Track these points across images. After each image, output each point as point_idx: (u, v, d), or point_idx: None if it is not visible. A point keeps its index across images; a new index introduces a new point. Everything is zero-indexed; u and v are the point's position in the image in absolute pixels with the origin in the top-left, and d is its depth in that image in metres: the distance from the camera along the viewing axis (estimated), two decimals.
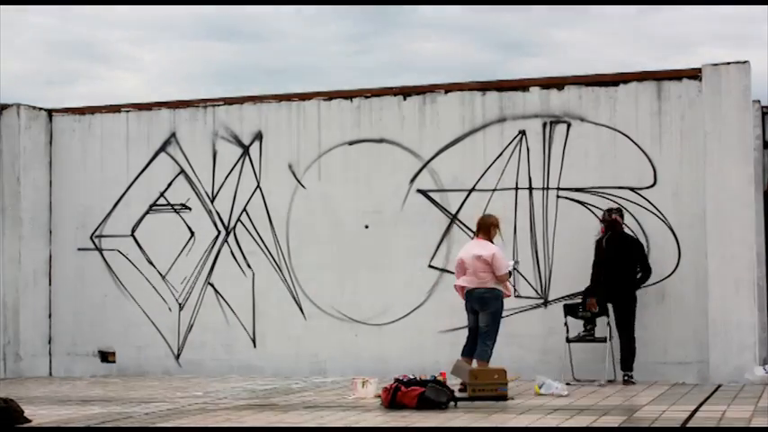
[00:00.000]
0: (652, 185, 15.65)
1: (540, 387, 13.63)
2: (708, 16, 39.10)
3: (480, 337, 14.37)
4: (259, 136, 17.44)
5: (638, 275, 15.23)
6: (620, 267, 15.09)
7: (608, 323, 15.20)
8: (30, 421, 11.37)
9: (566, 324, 15.32)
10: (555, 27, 40.41)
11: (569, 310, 15.40)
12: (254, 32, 41.73)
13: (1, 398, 11.37)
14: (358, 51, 41.84)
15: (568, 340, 15.34)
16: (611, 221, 15.26)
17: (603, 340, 15.18)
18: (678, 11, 38.42)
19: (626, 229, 15.42)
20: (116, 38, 41.27)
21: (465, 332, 14.77)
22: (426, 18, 40.43)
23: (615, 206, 15.53)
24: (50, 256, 18.36)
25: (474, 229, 15.02)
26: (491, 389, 13.10)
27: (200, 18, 40.69)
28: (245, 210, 17.48)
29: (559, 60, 40.03)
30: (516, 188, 16.22)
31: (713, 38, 38.93)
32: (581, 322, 15.36)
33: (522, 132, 16.22)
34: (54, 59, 41.20)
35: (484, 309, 14.34)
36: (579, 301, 15.43)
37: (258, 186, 17.42)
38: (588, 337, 15.27)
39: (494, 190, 16.27)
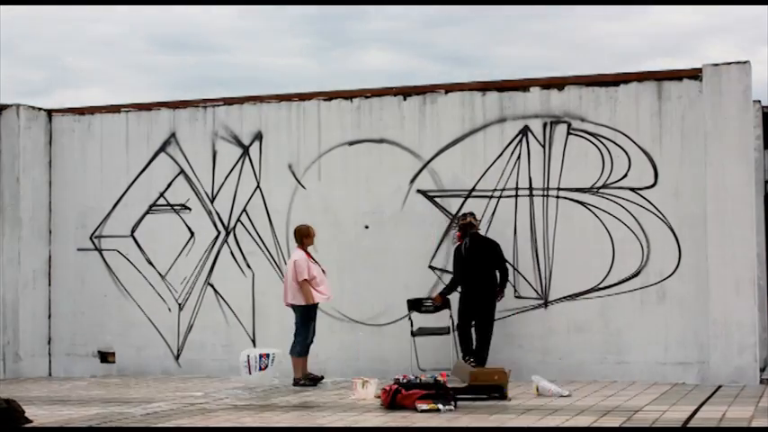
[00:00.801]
0: (652, 186, 15.63)
1: (537, 388, 13.61)
2: (649, 29, 39.85)
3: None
4: (259, 136, 17.42)
5: (499, 279, 15.67)
6: (484, 272, 15.60)
7: (450, 315, 15.77)
8: (31, 422, 11.36)
9: (410, 318, 15.98)
10: (496, 43, 41.34)
11: (413, 305, 16.10)
12: (206, 46, 42.14)
13: (2, 398, 11.35)
14: (310, 64, 42.34)
15: (413, 334, 15.88)
16: (466, 225, 15.68)
17: (447, 332, 15.71)
18: (617, 24, 39.16)
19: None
20: (66, 51, 41.45)
21: None
22: (377, 32, 41.08)
23: (468, 211, 15.96)
24: (50, 257, 18.34)
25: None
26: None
27: (149, 30, 40.94)
28: (244, 210, 17.46)
29: (499, 75, 41.08)
30: (516, 188, 16.19)
31: (655, 50, 39.66)
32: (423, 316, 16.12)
33: (523, 132, 16.20)
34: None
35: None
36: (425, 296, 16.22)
37: (258, 187, 17.40)
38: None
39: (494, 190, 16.25)
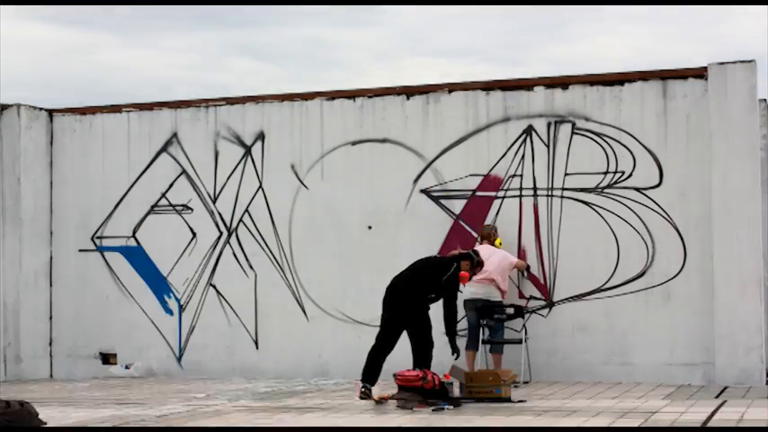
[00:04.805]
0: (657, 185, 15.62)
1: None
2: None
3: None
4: (261, 136, 17.36)
5: None
6: None
7: (524, 325, 15.22)
8: (45, 423, 11.28)
9: (482, 325, 15.36)
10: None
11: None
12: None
13: (17, 400, 11.28)
14: None
15: (484, 342, 15.36)
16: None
17: (519, 342, 15.21)
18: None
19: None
20: None
21: (465, 333, 15.26)
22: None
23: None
24: (51, 258, 18.25)
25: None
26: (486, 391, 13.07)
27: None
28: (247, 210, 17.39)
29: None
30: (521, 188, 16.17)
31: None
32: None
33: (527, 132, 16.18)
34: None
35: None
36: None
37: (260, 187, 17.34)
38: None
39: (498, 190, 16.23)
